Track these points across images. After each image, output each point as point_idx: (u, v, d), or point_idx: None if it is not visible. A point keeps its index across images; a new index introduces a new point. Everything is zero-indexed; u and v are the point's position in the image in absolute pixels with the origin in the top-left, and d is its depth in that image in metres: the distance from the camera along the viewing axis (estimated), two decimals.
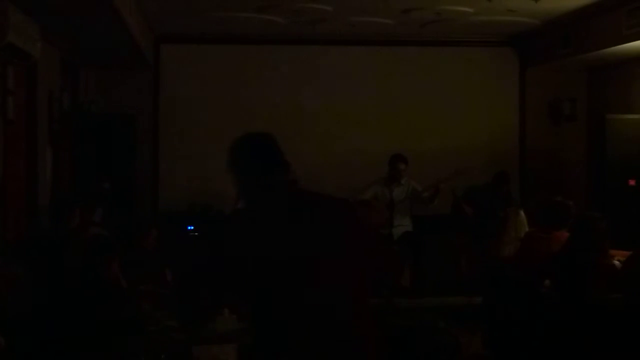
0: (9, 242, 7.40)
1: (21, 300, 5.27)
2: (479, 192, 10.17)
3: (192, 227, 10.70)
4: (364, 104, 11.68)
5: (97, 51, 9.91)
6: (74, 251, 6.42)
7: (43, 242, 6.76)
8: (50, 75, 9.18)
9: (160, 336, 5.18)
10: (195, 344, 5.08)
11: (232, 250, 3.46)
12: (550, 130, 12.02)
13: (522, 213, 8.74)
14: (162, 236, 7.68)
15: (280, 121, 11.52)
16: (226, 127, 11.41)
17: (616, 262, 6.95)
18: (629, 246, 6.92)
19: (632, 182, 10.17)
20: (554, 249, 6.83)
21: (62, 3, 7.12)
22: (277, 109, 11.58)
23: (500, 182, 10.05)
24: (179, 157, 11.54)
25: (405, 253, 10.22)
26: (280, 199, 3.56)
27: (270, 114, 11.52)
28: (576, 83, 11.97)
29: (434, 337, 6.18)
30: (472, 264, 10.36)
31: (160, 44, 11.53)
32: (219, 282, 3.58)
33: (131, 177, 10.95)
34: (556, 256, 6.66)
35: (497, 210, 9.40)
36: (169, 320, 5.47)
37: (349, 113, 11.66)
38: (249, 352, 5.05)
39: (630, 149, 10.19)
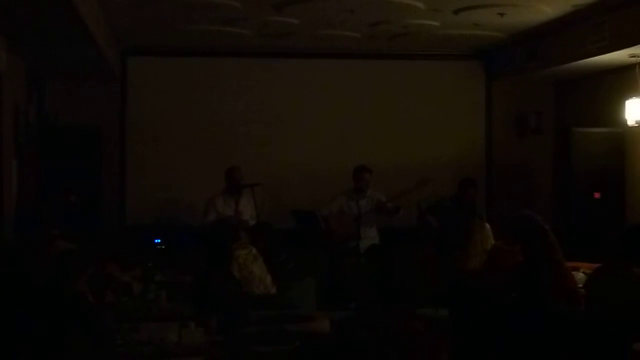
0: None
1: None
2: (444, 204, 10.18)
3: (159, 240, 10.64)
4: (332, 116, 11.68)
5: (64, 63, 9.86)
6: (40, 264, 6.35)
7: (7, 254, 6.69)
8: (16, 87, 9.13)
9: (128, 350, 5.14)
10: (162, 357, 5.06)
11: None
12: (517, 143, 12.09)
13: (487, 225, 8.76)
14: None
15: (247, 133, 11.56)
16: (193, 139, 11.47)
17: (581, 274, 7.01)
18: (594, 258, 6.97)
19: (597, 195, 10.24)
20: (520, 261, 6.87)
21: (28, 14, 7.09)
22: (244, 121, 11.59)
23: (466, 186, 10.03)
24: (146, 169, 11.48)
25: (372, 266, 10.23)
26: None
27: (238, 127, 11.55)
28: (542, 96, 12.06)
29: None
30: (438, 276, 10.38)
31: (127, 56, 11.48)
32: None
33: (98, 189, 10.88)
34: (517, 267, 6.72)
35: (461, 222, 9.40)
36: (136, 333, 5.43)
37: (317, 126, 11.68)
38: None
39: (595, 162, 10.27)
